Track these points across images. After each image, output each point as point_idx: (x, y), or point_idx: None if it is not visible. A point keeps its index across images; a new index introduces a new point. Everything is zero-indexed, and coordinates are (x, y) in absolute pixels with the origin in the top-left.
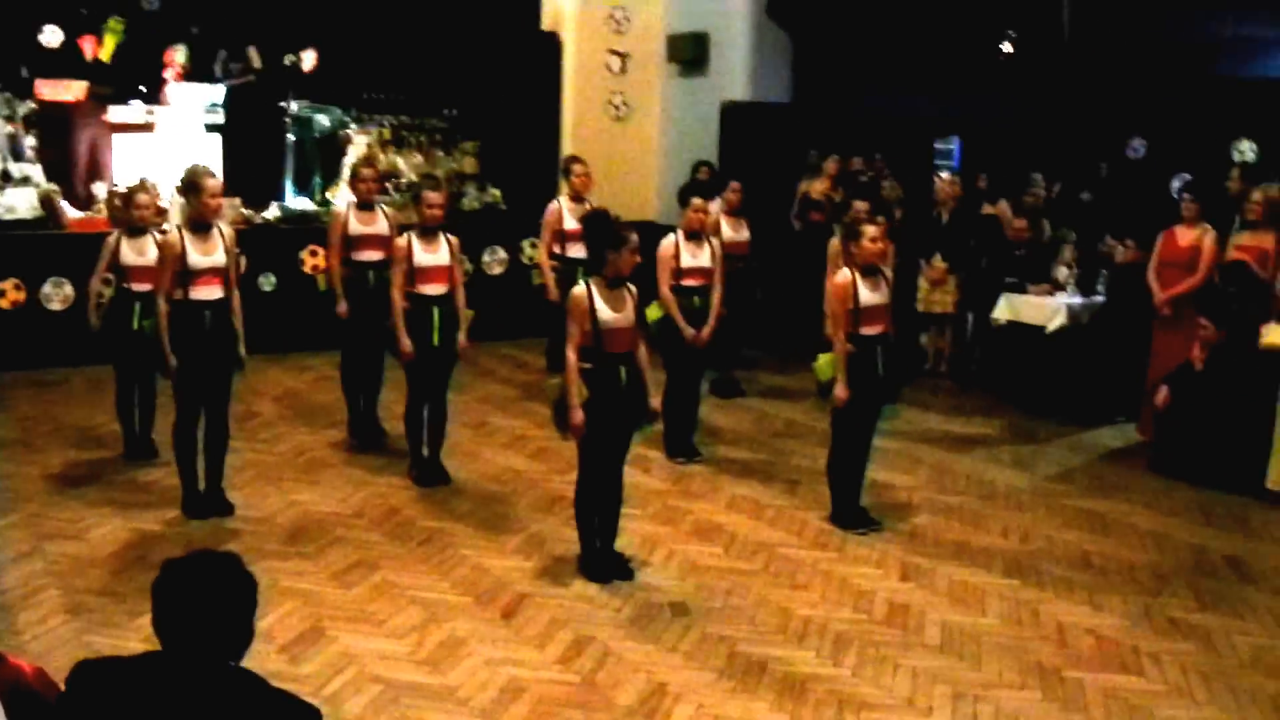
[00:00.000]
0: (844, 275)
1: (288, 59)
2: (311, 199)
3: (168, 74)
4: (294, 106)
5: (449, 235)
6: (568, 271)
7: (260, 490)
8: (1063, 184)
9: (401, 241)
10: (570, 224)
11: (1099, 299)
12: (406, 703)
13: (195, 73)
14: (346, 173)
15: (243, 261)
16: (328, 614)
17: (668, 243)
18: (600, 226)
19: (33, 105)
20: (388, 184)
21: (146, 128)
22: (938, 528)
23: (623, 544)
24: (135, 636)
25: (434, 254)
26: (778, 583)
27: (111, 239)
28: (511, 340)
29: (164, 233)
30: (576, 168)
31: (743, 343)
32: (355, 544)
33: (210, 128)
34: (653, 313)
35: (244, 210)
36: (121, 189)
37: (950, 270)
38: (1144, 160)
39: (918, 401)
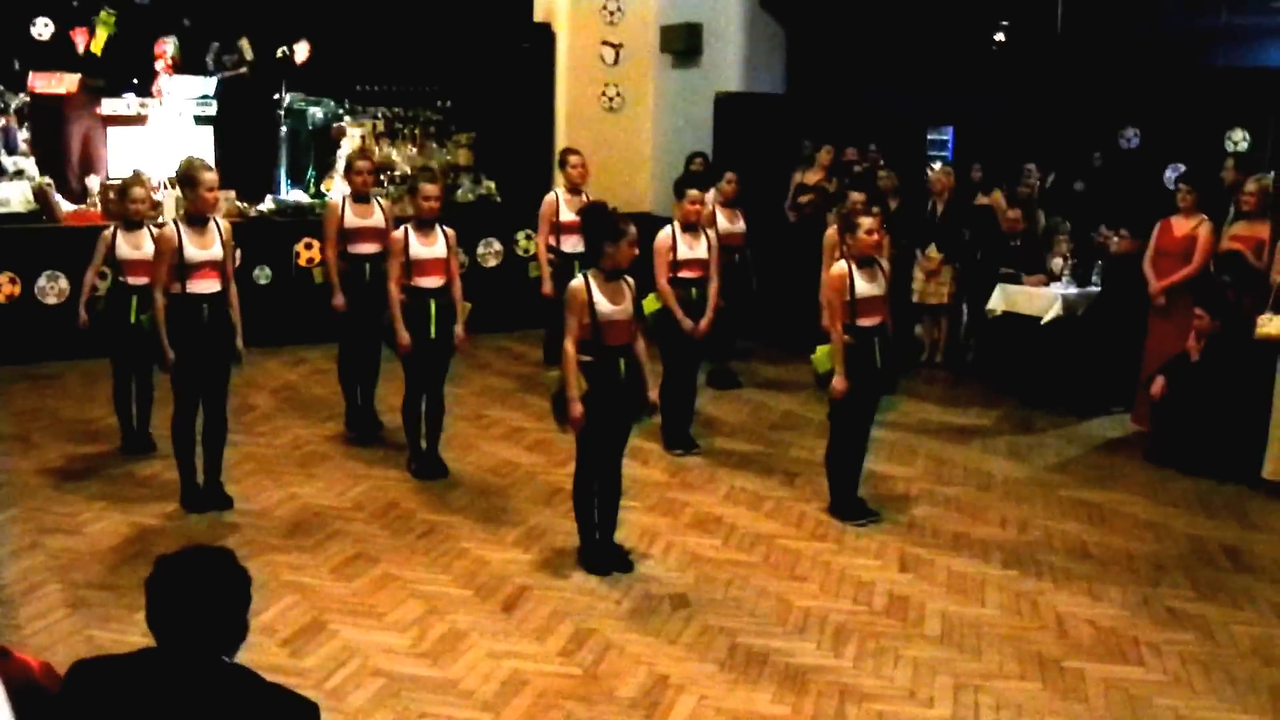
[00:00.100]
0: (840, 267)
1: (280, 51)
2: (305, 191)
3: (158, 66)
4: (287, 99)
5: (445, 228)
6: (563, 265)
7: (258, 483)
8: (1056, 174)
9: (398, 234)
10: (566, 216)
11: (1094, 289)
12: (409, 696)
13: (187, 65)
14: (341, 165)
15: (237, 255)
16: (328, 607)
17: (664, 235)
18: (598, 218)
19: (25, 98)
20: (382, 176)
21: (138, 120)
22: (936, 518)
23: (622, 536)
24: (136, 630)
25: (430, 247)
26: (777, 574)
27: (107, 233)
28: (507, 332)
29: (160, 226)
30: (572, 159)
31: (739, 334)
32: (355, 537)
33: (203, 120)
34: (650, 305)
35: (238, 203)
36: (116, 182)
37: (945, 261)
38: (1137, 150)
39: (914, 392)
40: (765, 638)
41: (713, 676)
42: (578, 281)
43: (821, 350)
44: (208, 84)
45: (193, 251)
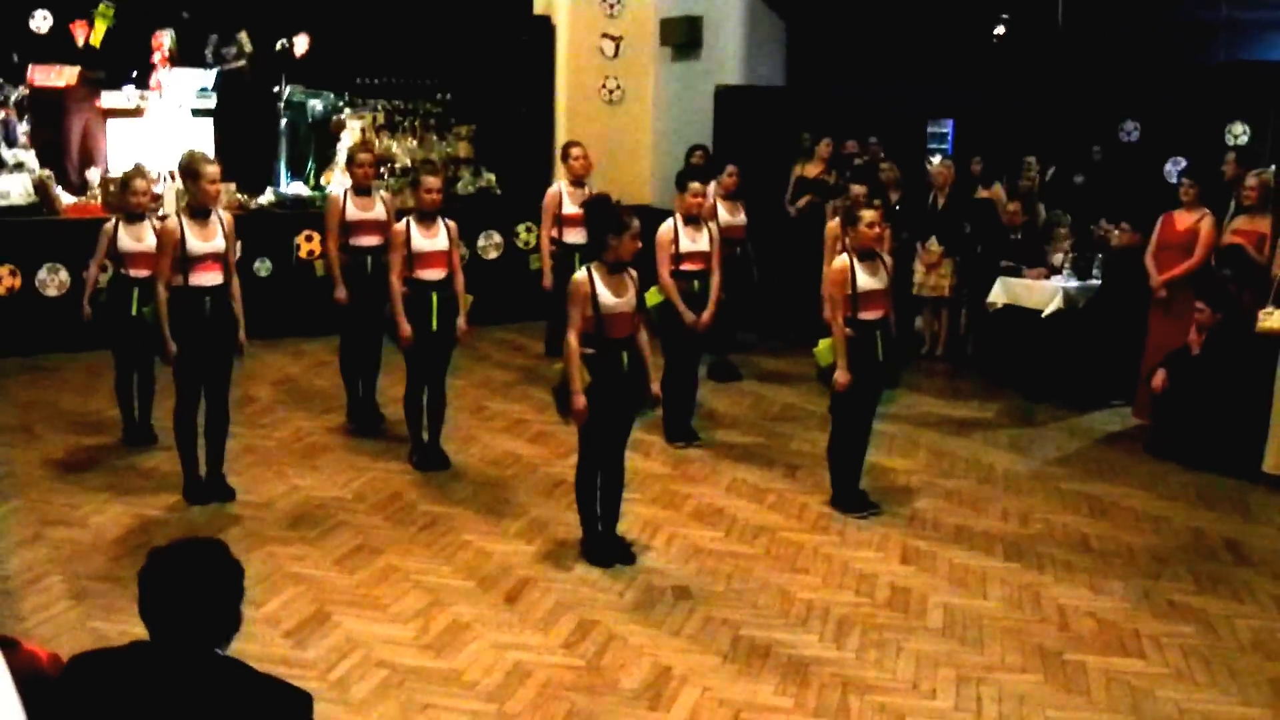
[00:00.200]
0: (841, 261)
1: (280, 43)
2: (305, 184)
3: (155, 59)
4: (287, 91)
5: (447, 220)
6: (564, 257)
7: (260, 475)
8: (1056, 167)
9: (400, 227)
10: (569, 208)
11: (1094, 283)
12: (412, 687)
13: (186, 58)
14: (341, 158)
15: (237, 247)
16: (331, 599)
17: (666, 228)
18: (602, 211)
19: (25, 90)
20: (382, 169)
21: (137, 113)
22: (937, 511)
23: (624, 528)
24: (139, 622)
25: (432, 239)
26: (779, 566)
27: (109, 225)
28: (507, 324)
29: (162, 219)
30: (574, 151)
31: (739, 326)
32: (357, 529)
33: (201, 112)
34: (652, 298)
35: (239, 195)
36: (117, 175)
37: (946, 254)
38: (1137, 143)
39: (915, 385)
40: (767, 630)
41: (715, 668)
42: (581, 274)
43: (823, 344)
44: (207, 77)
45: (195, 244)
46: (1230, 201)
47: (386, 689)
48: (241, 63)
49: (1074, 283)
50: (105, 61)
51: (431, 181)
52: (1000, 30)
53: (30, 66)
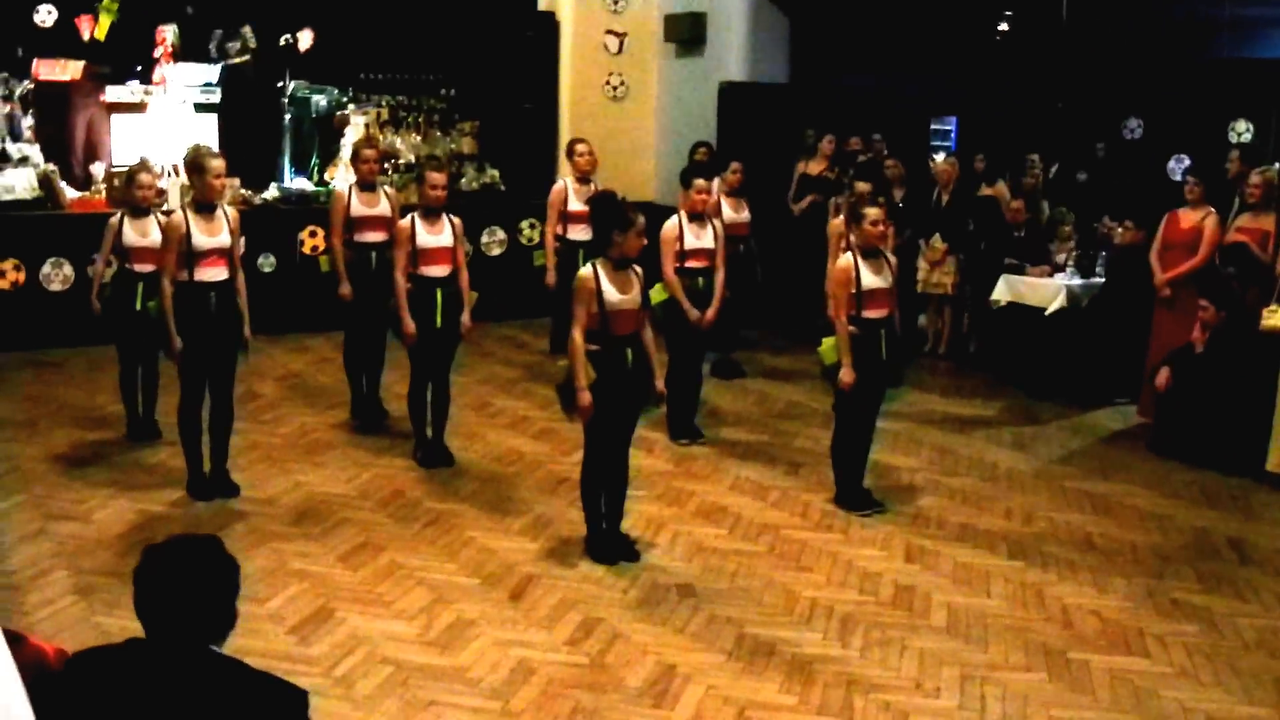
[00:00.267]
0: (845, 260)
1: (284, 39)
2: (309, 180)
3: (157, 53)
4: (291, 87)
5: (452, 216)
6: (568, 253)
7: (264, 471)
8: (1059, 165)
9: (404, 223)
10: (575, 205)
11: (1098, 280)
12: (417, 684)
13: (190, 52)
14: (345, 153)
15: (241, 243)
16: (335, 595)
17: (671, 225)
18: (608, 208)
19: (30, 85)
20: (386, 165)
21: (140, 108)
22: (941, 509)
23: (628, 525)
24: None
25: (437, 235)
26: (783, 564)
27: (114, 220)
28: (511, 321)
29: (168, 214)
30: (580, 148)
31: (743, 324)
32: (361, 525)
33: (203, 107)
34: (657, 295)
35: (243, 191)
36: (121, 169)
37: (950, 251)
38: (1141, 141)
39: (918, 383)
40: (772, 628)
41: (720, 666)
42: (586, 271)
43: (827, 342)
44: (211, 72)
45: (200, 239)
46: (1234, 199)
47: (390, 686)
48: (245, 58)
49: (1077, 280)
50: (110, 56)
51: (436, 178)
52: (1004, 27)
53: (35, 61)
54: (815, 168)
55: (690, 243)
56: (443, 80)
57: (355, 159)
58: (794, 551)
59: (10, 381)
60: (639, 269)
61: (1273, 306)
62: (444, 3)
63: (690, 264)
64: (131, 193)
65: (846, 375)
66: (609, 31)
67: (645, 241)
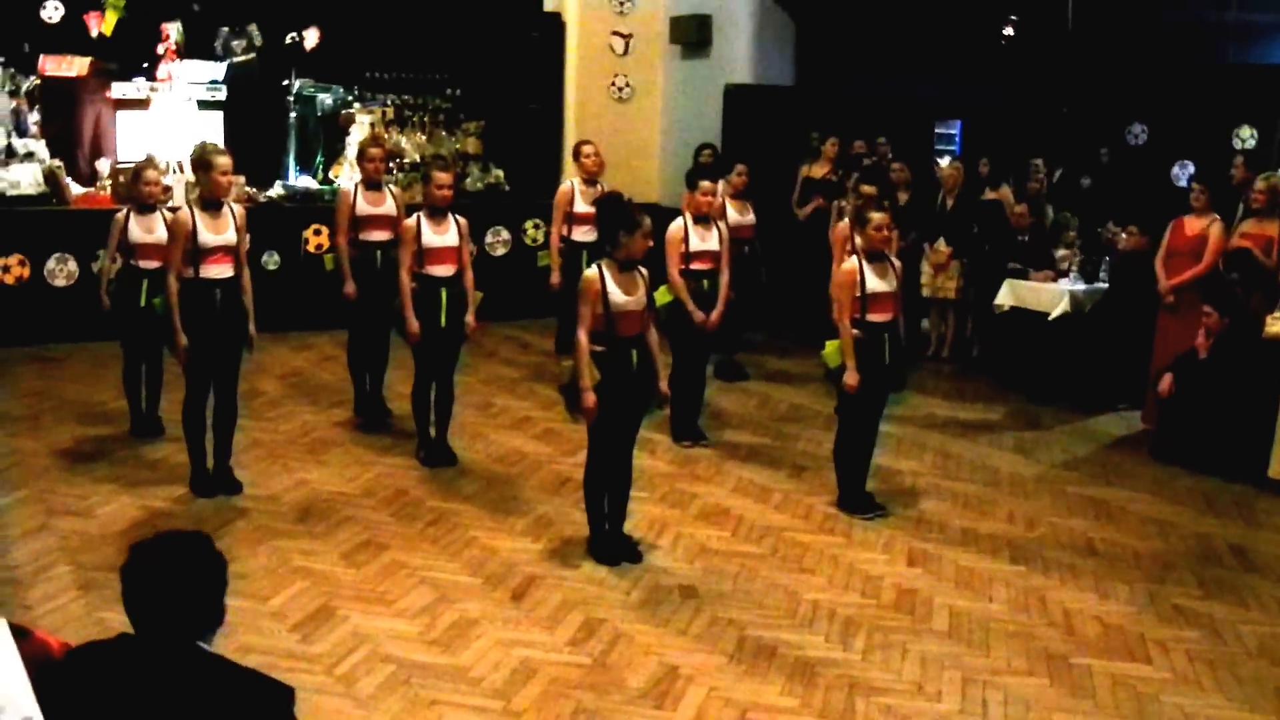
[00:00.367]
0: (850, 263)
1: (290, 37)
2: (314, 178)
3: (161, 50)
4: (296, 85)
5: (458, 216)
6: (572, 254)
7: (267, 469)
8: (1063, 170)
9: (410, 222)
10: (581, 206)
11: (1101, 286)
12: (419, 683)
13: (196, 50)
14: (350, 152)
15: (246, 240)
16: (338, 593)
17: (676, 226)
18: (614, 209)
19: (36, 80)
20: (391, 164)
21: (144, 104)
22: (944, 513)
23: (630, 527)
24: None
25: (443, 235)
26: (786, 567)
27: (120, 216)
28: (515, 321)
29: (174, 210)
30: (586, 149)
31: (747, 326)
32: (364, 524)
33: (207, 104)
34: (662, 297)
35: (248, 189)
36: (126, 165)
37: (954, 255)
38: (1145, 146)
39: (921, 387)
40: (774, 630)
41: (722, 668)
42: (592, 272)
43: (831, 345)
44: (217, 69)
45: (206, 236)
46: (1238, 205)
47: (393, 684)
48: (251, 55)
49: (1081, 285)
50: (117, 53)
51: (443, 177)
52: (1009, 31)
53: (41, 56)
54: (819, 171)
55: (695, 245)
56: (448, 80)
57: (361, 158)
58: (796, 554)
59: (14, 376)
60: (644, 270)
61: (1277, 314)
62: (450, 2)
63: (695, 266)
64: (138, 189)
65: (850, 379)
66: (615, 33)
67: (651, 243)
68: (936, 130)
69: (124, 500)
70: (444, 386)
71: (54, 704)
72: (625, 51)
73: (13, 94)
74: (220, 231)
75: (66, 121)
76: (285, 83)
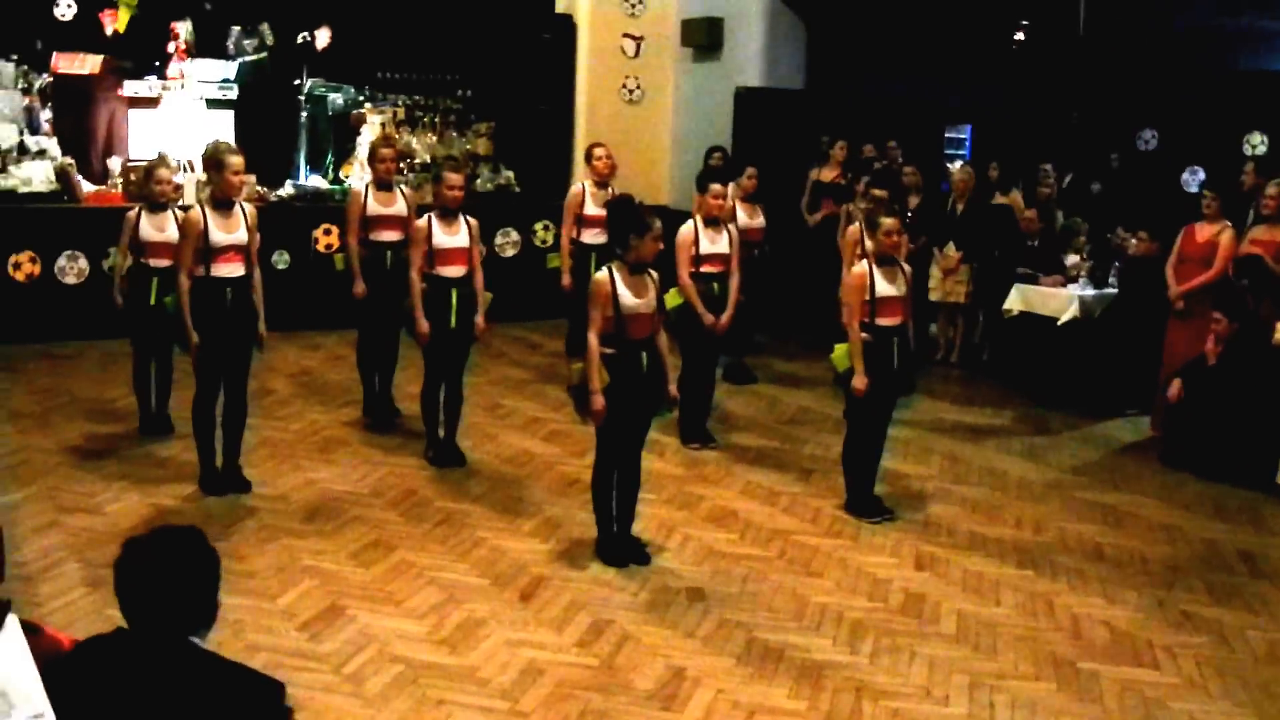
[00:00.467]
0: (861, 267)
1: (301, 37)
2: (324, 177)
3: (171, 49)
4: (308, 84)
5: (469, 217)
6: (581, 256)
7: (276, 468)
8: (1073, 175)
9: (421, 223)
10: (591, 209)
11: (1111, 291)
12: (426, 683)
13: (208, 49)
14: (361, 152)
15: (257, 239)
16: (346, 593)
17: (686, 229)
18: (625, 211)
19: (49, 78)
20: (401, 164)
21: (153, 103)
22: (951, 518)
23: (638, 529)
24: None
25: (453, 236)
26: (793, 570)
27: (131, 214)
28: (524, 323)
29: (186, 209)
30: (598, 152)
31: (755, 329)
32: (372, 523)
33: (216, 103)
34: (672, 299)
35: (258, 188)
36: (139, 163)
37: (964, 260)
38: (1155, 152)
39: (929, 391)
40: (781, 633)
41: (729, 670)
42: (602, 274)
43: (840, 349)
44: (229, 68)
45: (218, 235)
46: (1248, 211)
47: (400, 684)
48: (263, 55)
49: (1090, 291)
50: (131, 51)
51: (454, 178)
52: (1020, 36)
53: (54, 54)
54: (828, 174)
55: (705, 248)
56: (459, 81)
57: (373, 158)
58: (804, 557)
59: (24, 373)
60: (654, 273)
61: None
62: (462, 3)
63: (705, 269)
64: (150, 187)
65: (859, 382)
66: (626, 35)
67: (661, 246)
68: (946, 134)
69: (133, 498)
70: (453, 387)
71: (60, 699)
72: (636, 54)
73: (25, 91)
74: (231, 231)
75: (79, 119)
76: (296, 82)
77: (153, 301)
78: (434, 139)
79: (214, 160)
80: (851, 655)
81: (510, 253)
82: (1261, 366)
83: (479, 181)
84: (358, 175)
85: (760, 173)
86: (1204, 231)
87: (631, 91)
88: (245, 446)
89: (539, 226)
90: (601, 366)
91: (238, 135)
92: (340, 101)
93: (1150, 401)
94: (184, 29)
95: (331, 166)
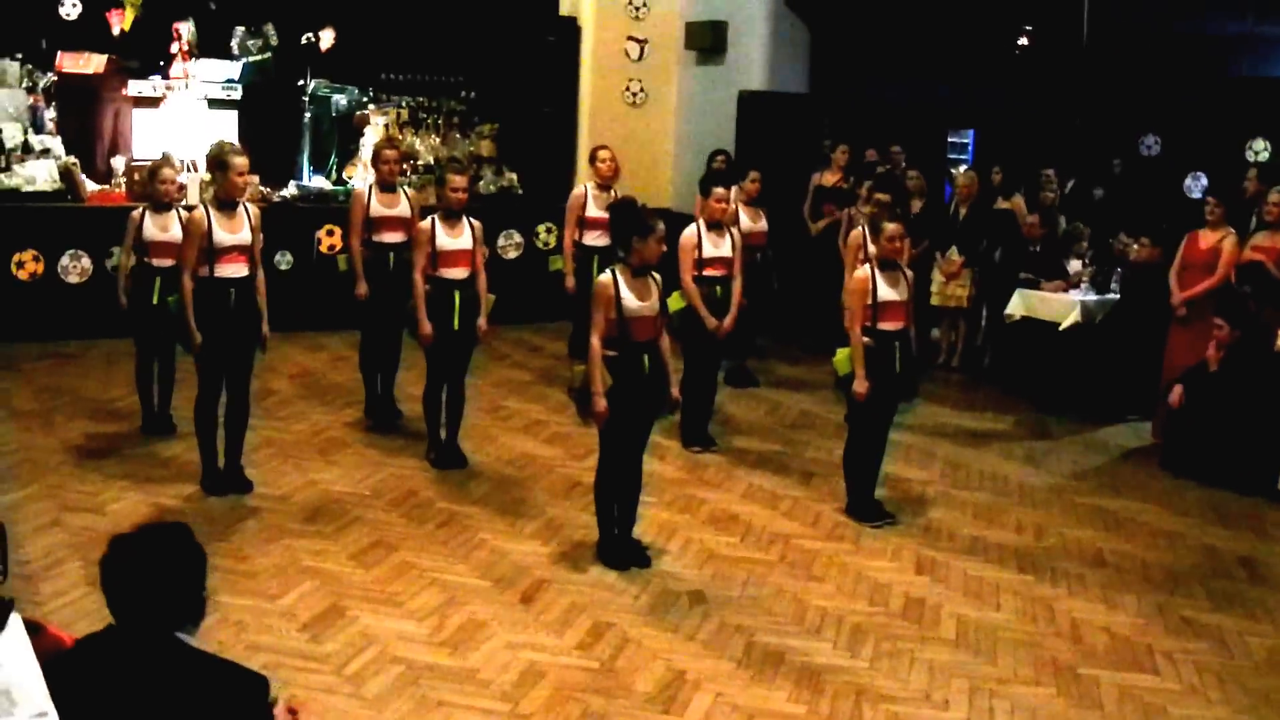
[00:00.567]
0: (863, 271)
1: (306, 37)
2: (328, 178)
3: (174, 49)
4: (311, 85)
5: (472, 219)
6: (583, 259)
7: (278, 468)
8: (1076, 180)
9: (424, 224)
10: (594, 211)
11: (1113, 297)
12: (427, 684)
13: (211, 49)
14: (365, 153)
15: (261, 239)
16: (347, 593)
17: (689, 233)
18: (628, 214)
19: (53, 77)
20: (404, 166)
21: (156, 103)
22: (952, 522)
23: (640, 531)
24: None
25: (457, 238)
26: (794, 573)
27: (135, 213)
28: (526, 325)
29: (189, 209)
30: (602, 154)
31: (758, 332)
32: (374, 524)
33: (219, 104)
34: (674, 303)
35: (262, 188)
36: (143, 163)
37: (966, 264)
38: (1158, 158)
39: (931, 395)
40: (782, 636)
41: (729, 673)
42: (605, 277)
43: (842, 353)
44: (233, 68)
45: (221, 236)
46: (1251, 218)
47: (401, 685)
48: (266, 55)
49: (1092, 296)
50: (136, 50)
51: (457, 180)
52: (1024, 42)
53: (59, 53)
54: (830, 179)
55: (708, 251)
56: (463, 82)
57: (376, 159)
58: (805, 561)
59: (26, 372)
60: (658, 276)
61: None
62: (466, 5)
63: (708, 272)
64: (154, 187)
65: (860, 386)
66: (630, 38)
67: (665, 248)
68: (949, 139)
69: (135, 497)
70: (456, 389)
71: (61, 696)
72: (640, 57)
73: (30, 90)
74: (235, 231)
75: (83, 118)
76: (300, 83)
77: (155, 301)
78: (437, 140)
79: (219, 161)
80: (852, 659)
81: (513, 255)
82: (1263, 373)
83: (482, 183)
84: (361, 176)
85: (763, 176)
86: (1207, 238)
87: (635, 94)
88: (247, 447)
89: (542, 229)
90: (604, 369)
91: (241, 135)
92: (344, 102)
93: (1152, 407)
94: (186, 29)
95: (335, 167)
